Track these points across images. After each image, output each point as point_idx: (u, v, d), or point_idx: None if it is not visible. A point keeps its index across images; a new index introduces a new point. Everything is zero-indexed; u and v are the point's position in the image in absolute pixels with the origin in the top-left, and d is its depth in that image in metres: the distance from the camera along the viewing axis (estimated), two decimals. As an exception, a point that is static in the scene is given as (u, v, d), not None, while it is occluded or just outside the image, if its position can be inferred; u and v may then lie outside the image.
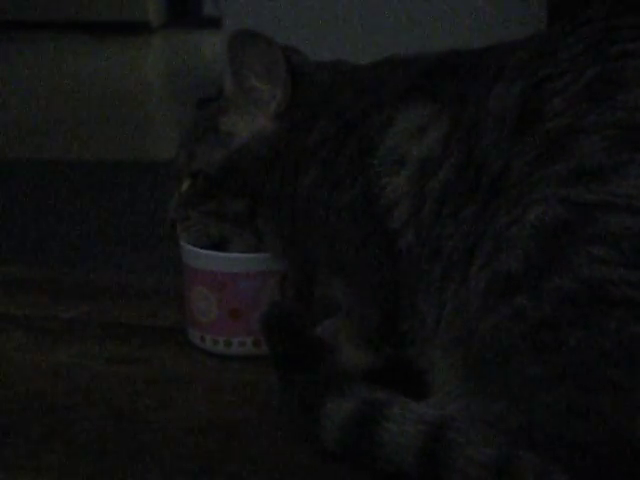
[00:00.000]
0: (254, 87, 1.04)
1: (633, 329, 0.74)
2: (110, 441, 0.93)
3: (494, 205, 0.83)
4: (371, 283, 0.95)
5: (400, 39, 2.55)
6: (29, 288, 1.33)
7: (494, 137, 0.85)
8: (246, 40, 1.02)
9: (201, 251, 1.09)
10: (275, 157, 1.03)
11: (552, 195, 0.78)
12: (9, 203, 1.76)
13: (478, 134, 0.87)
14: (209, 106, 1.13)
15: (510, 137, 0.84)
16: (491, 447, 0.78)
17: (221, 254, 1.08)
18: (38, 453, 0.91)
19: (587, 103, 0.80)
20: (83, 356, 1.12)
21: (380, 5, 2.65)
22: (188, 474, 0.88)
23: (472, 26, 2.54)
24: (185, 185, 1.09)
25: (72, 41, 5.62)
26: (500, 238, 0.81)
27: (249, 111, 1.05)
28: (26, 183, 1.97)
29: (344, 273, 0.97)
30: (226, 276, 1.08)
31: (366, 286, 0.96)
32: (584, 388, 0.75)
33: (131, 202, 1.80)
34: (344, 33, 2.64)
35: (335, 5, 2.66)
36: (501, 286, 0.79)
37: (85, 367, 1.09)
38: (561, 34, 0.88)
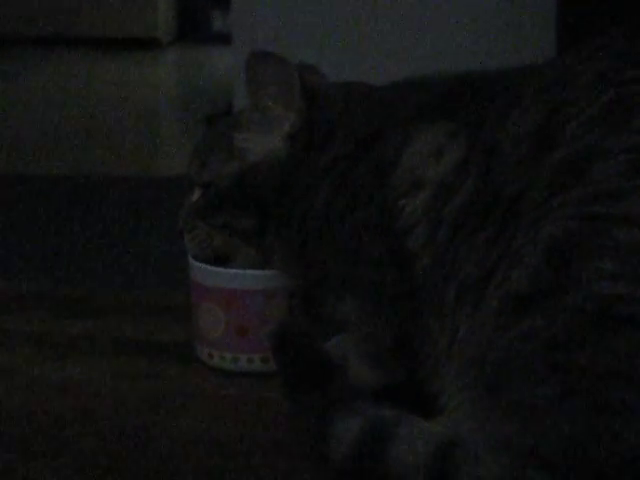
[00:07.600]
0: (269, 108, 1.04)
1: None
2: (117, 457, 0.93)
3: (510, 230, 0.83)
4: (385, 302, 0.95)
5: (414, 58, 2.55)
6: (36, 304, 1.33)
7: (511, 162, 0.85)
8: (262, 61, 1.02)
9: (209, 267, 1.08)
10: (288, 177, 1.03)
11: (566, 214, 0.78)
12: (16, 219, 1.76)
13: (495, 158, 0.87)
14: (223, 120, 1.13)
15: (527, 162, 0.84)
16: (501, 467, 0.78)
17: (229, 271, 1.08)
18: (44, 468, 0.91)
19: (603, 128, 0.80)
20: (90, 372, 1.11)
21: (392, 22, 2.65)
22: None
23: (483, 47, 2.55)
24: (196, 195, 1.09)
25: (82, 57, 5.65)
26: (513, 259, 0.80)
27: (263, 130, 1.05)
28: (35, 198, 1.97)
29: (358, 291, 0.97)
30: (234, 293, 1.07)
31: (380, 305, 0.95)
32: (595, 409, 0.75)
33: (141, 217, 1.80)
34: (355, 50, 2.64)
35: (346, 22, 2.66)
36: (513, 306, 0.79)
37: (92, 383, 1.08)
38: (577, 59, 0.88)
